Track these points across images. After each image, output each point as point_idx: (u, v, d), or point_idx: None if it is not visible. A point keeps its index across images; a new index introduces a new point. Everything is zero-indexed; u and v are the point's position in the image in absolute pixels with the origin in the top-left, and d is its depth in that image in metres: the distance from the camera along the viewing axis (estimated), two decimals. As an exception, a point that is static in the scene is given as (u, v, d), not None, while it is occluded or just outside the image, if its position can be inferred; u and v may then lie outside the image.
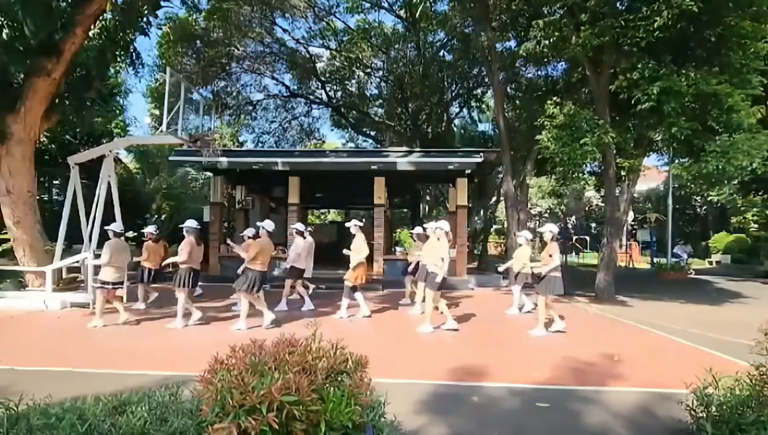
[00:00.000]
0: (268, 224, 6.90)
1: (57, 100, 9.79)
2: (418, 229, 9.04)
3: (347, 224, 7.85)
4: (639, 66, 8.68)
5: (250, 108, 22.34)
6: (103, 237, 8.94)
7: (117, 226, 7.38)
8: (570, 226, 30.36)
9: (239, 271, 6.81)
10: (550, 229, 6.69)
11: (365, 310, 7.54)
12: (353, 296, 7.52)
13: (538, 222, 30.10)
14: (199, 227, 7.10)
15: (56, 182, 16.94)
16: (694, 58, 9.12)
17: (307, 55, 20.96)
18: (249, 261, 6.56)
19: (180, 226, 7.25)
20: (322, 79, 22.05)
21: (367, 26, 20.49)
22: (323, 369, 1.95)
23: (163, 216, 19.80)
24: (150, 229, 8.61)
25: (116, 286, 6.91)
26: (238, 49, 18.28)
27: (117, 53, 10.62)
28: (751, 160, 8.65)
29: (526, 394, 3.95)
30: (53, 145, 15.28)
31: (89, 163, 9.36)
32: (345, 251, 7.77)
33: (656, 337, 6.50)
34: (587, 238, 26.43)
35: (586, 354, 5.31)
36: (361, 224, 7.84)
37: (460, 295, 10.53)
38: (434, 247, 6.50)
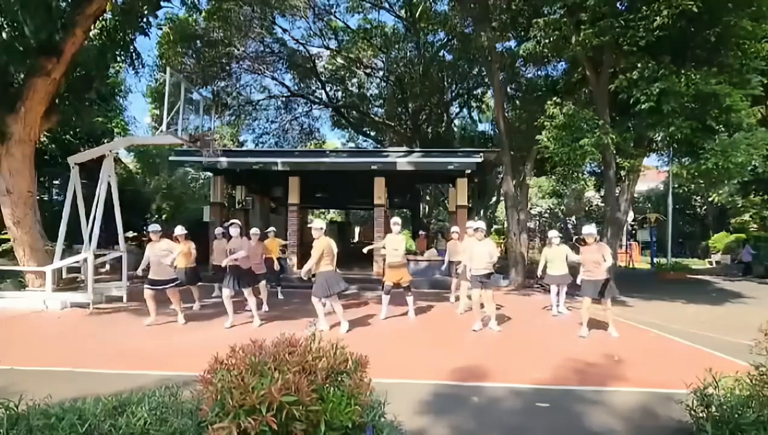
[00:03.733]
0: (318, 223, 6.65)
1: (57, 100, 9.79)
2: (456, 229, 9.27)
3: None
4: (639, 66, 8.68)
5: (250, 108, 22.36)
6: (103, 237, 8.95)
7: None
8: (570, 226, 30.36)
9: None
10: (591, 232, 6.56)
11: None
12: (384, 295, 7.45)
13: (537, 222, 30.11)
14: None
15: (56, 182, 16.95)
16: (694, 58, 9.12)
17: (307, 55, 20.98)
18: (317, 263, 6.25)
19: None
20: (323, 79, 22.07)
21: (367, 26, 20.51)
22: (323, 369, 1.95)
23: (164, 217, 19.81)
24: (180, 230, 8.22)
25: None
26: (238, 49, 18.29)
27: (117, 53, 10.61)
28: (751, 158, 8.66)
29: (526, 394, 3.95)
30: (53, 145, 15.29)
31: (89, 163, 9.36)
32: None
33: (656, 338, 6.50)
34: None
35: (586, 354, 5.31)
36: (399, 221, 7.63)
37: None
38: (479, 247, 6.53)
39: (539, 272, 8.25)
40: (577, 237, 26.82)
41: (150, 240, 7.18)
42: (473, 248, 6.60)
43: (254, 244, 8.12)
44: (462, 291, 8.15)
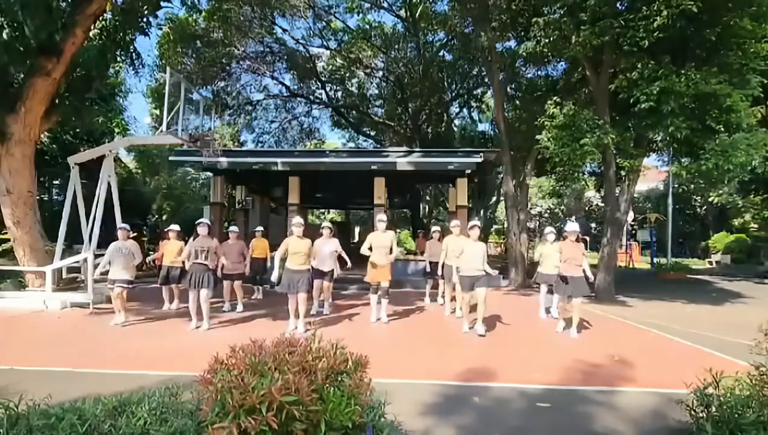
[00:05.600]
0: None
1: (57, 100, 9.79)
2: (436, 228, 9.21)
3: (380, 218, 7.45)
4: (639, 66, 8.68)
5: (250, 108, 22.36)
6: (103, 237, 8.96)
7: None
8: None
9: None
10: (574, 229, 6.49)
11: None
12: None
13: (537, 222, 30.11)
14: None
15: (56, 182, 16.96)
16: (694, 58, 9.13)
17: (307, 55, 20.98)
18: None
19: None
20: (322, 79, 22.08)
21: (367, 26, 20.52)
22: (323, 369, 1.95)
23: (164, 216, 19.81)
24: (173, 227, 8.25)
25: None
26: (238, 49, 18.30)
27: (117, 53, 10.62)
28: (751, 158, 8.66)
29: (526, 394, 3.95)
30: (53, 145, 15.31)
31: (89, 163, 9.36)
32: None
33: (656, 337, 6.50)
34: (587, 238, 26.43)
35: (586, 354, 5.31)
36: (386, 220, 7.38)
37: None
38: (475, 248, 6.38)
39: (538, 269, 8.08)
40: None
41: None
42: (465, 248, 6.40)
43: (232, 242, 8.13)
44: (447, 292, 8.01)
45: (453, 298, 7.74)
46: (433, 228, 9.59)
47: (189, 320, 6.63)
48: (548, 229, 8.14)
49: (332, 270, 7.73)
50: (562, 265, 6.49)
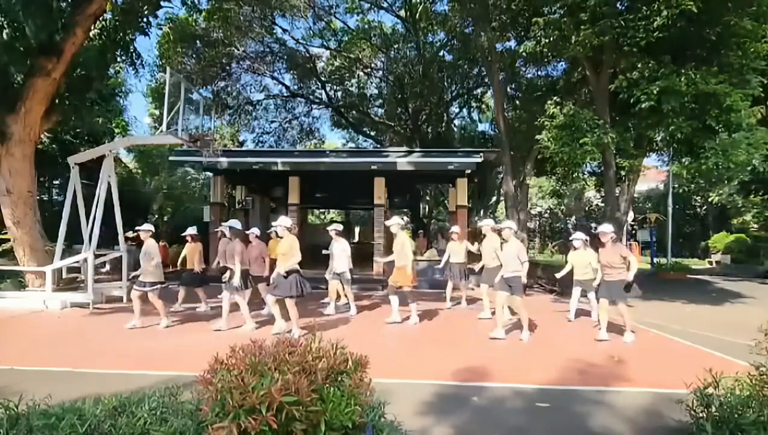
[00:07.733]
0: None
1: (57, 100, 9.80)
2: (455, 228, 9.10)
3: (387, 223, 7.31)
4: (639, 66, 8.69)
5: (250, 108, 22.36)
6: (103, 237, 8.95)
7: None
8: (570, 226, 30.33)
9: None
10: (604, 231, 6.19)
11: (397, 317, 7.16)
12: (407, 300, 7.18)
13: (537, 222, 30.09)
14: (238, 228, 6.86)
15: (56, 182, 16.95)
16: (694, 58, 9.14)
17: (307, 55, 20.99)
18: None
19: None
20: (322, 79, 22.08)
21: (366, 26, 20.52)
22: (323, 369, 1.94)
23: (165, 217, 19.80)
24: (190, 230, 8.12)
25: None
26: (238, 49, 18.32)
27: (117, 53, 10.63)
28: (751, 158, 8.66)
29: (526, 394, 3.95)
30: (53, 145, 15.30)
31: (89, 163, 9.36)
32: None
33: (656, 337, 6.49)
34: (587, 238, 26.34)
35: (586, 354, 5.31)
36: (402, 223, 7.28)
37: (461, 295, 10.51)
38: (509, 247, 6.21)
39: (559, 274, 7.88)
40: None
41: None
42: (503, 249, 6.28)
43: (255, 243, 8.02)
44: (485, 296, 7.77)
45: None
46: (453, 228, 9.42)
47: (206, 322, 6.70)
48: (574, 235, 7.79)
49: (343, 272, 7.73)
50: (604, 271, 6.18)
